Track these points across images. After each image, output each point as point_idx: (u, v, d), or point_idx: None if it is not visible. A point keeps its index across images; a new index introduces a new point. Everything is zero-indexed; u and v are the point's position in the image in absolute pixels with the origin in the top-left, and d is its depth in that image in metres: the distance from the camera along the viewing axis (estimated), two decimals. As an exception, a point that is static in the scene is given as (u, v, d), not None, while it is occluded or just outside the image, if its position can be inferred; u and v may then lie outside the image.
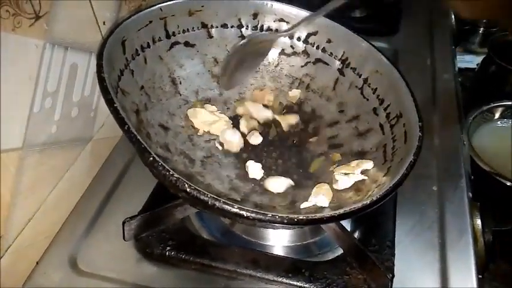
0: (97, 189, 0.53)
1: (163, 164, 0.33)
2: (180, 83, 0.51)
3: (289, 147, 0.50)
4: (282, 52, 0.53)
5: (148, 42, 0.47)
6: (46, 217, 0.50)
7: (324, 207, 0.40)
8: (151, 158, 0.34)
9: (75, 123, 0.53)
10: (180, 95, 0.51)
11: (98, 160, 0.56)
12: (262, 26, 0.52)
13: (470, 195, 0.51)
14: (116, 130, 0.60)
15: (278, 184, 0.45)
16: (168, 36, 0.49)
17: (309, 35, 0.52)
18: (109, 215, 0.50)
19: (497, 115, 0.75)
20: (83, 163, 0.55)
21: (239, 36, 0.52)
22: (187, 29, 0.50)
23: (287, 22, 0.52)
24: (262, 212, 0.32)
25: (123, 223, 0.44)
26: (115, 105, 0.36)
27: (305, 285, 0.42)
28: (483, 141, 0.72)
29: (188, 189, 0.33)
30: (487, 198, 0.55)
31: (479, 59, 0.85)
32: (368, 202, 0.34)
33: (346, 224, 0.47)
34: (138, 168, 0.55)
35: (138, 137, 0.34)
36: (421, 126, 0.40)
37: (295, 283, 0.43)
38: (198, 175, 0.46)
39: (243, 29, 0.52)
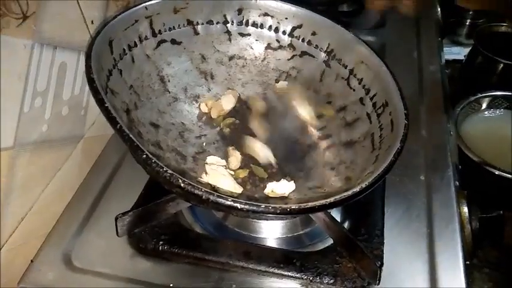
0: (90, 187, 0.53)
1: (156, 161, 0.34)
2: (169, 81, 0.51)
3: (279, 140, 0.51)
4: (268, 46, 0.54)
5: (135, 41, 0.47)
6: (39, 216, 0.50)
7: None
8: (144, 156, 0.34)
9: (66, 121, 0.53)
10: (169, 92, 0.51)
11: (90, 158, 0.57)
12: (247, 21, 0.53)
13: (457, 183, 0.52)
14: (107, 128, 0.60)
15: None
16: (154, 35, 0.49)
17: (293, 29, 0.52)
18: (102, 212, 0.51)
19: (484, 105, 0.76)
20: (74, 161, 0.55)
21: (225, 32, 0.53)
22: (173, 27, 0.50)
23: (271, 16, 0.52)
24: (255, 203, 0.33)
25: (116, 219, 0.45)
26: (106, 105, 0.36)
27: (296, 275, 0.43)
28: (471, 131, 0.73)
29: (182, 184, 0.33)
30: (475, 187, 0.56)
31: (466, 51, 0.86)
32: (358, 189, 0.35)
33: (336, 214, 0.48)
34: (130, 165, 0.56)
35: (131, 136, 0.35)
36: (406, 114, 0.41)
37: (286, 273, 0.43)
38: (191, 171, 0.47)
39: (229, 25, 0.53)
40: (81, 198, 0.52)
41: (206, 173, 0.44)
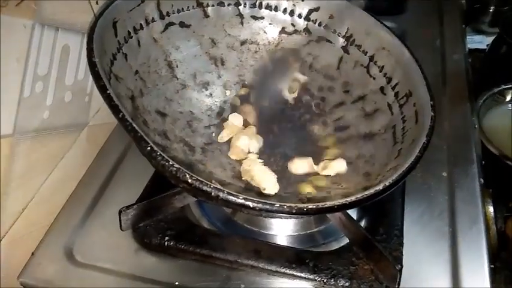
0: (93, 177, 0.51)
1: (161, 153, 0.31)
2: (177, 67, 0.48)
3: (292, 131, 0.48)
4: (283, 30, 0.50)
5: (141, 24, 0.44)
6: (40, 207, 0.48)
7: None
8: (148, 148, 0.32)
9: (69, 108, 0.51)
10: (177, 79, 0.48)
11: (94, 147, 0.54)
12: (261, 3, 0.49)
13: (482, 181, 0.49)
14: (111, 115, 0.58)
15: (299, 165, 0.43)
16: (162, 17, 0.46)
17: (310, 12, 0.49)
18: (106, 204, 0.49)
19: (508, 97, 0.72)
20: (78, 150, 0.53)
21: (237, 15, 0.49)
22: (182, 9, 0.47)
23: (286, -1, 0.49)
24: (269, 202, 0.30)
25: (120, 212, 0.43)
26: (108, 91, 0.33)
27: (309, 277, 0.41)
28: (494, 124, 0.69)
29: (190, 180, 0.30)
30: (498, 183, 0.53)
31: (489, 40, 0.81)
32: (380, 188, 0.32)
33: (352, 212, 0.45)
34: (136, 155, 0.52)
35: (134, 125, 0.32)
36: (433, 105, 0.38)
37: (298, 274, 0.41)
38: (199, 163, 0.44)
39: (241, 7, 0.49)
40: (84, 188, 0.50)
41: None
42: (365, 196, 0.31)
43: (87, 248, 0.45)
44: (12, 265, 0.44)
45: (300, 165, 0.44)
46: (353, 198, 0.31)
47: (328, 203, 0.31)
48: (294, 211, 0.30)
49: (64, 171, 0.51)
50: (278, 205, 0.30)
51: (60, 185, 0.50)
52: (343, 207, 0.31)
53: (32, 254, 0.45)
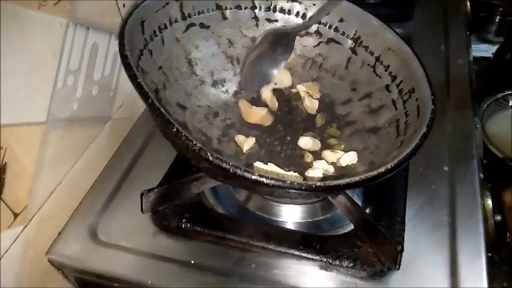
0: (116, 166, 0.55)
1: (186, 134, 0.34)
2: (196, 64, 0.52)
3: (300, 126, 0.51)
4: (295, 33, 0.54)
5: (165, 24, 0.48)
6: (68, 190, 0.52)
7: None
8: (174, 129, 0.34)
9: (96, 101, 0.55)
10: (196, 75, 0.52)
11: (117, 139, 0.58)
12: (275, 6, 0.53)
13: (482, 175, 0.51)
14: (134, 111, 0.62)
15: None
16: (184, 18, 0.50)
17: (321, 15, 0.53)
18: (127, 191, 0.52)
19: (511, 103, 0.74)
20: (102, 141, 0.57)
21: (253, 18, 0.53)
22: (203, 11, 0.51)
23: (299, 2, 0.53)
24: (281, 179, 0.33)
25: (141, 195, 0.46)
26: (138, 80, 0.37)
27: (316, 257, 0.43)
28: (497, 128, 0.72)
29: (211, 158, 0.33)
30: (500, 183, 0.55)
31: (494, 48, 0.85)
32: (383, 170, 0.35)
33: (357, 201, 0.48)
34: (156, 147, 0.57)
35: (162, 110, 0.35)
36: (433, 100, 0.41)
37: (306, 255, 0.44)
38: (215, 153, 0.47)
39: (256, 10, 0.53)
40: (107, 176, 0.54)
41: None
42: (369, 176, 0.34)
43: (109, 229, 0.48)
44: (40, 243, 0.48)
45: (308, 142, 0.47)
46: (357, 177, 0.34)
47: (335, 182, 0.34)
48: (303, 187, 0.33)
49: (89, 159, 0.54)
50: (289, 182, 0.33)
51: (86, 171, 0.54)
52: (348, 186, 0.34)
53: (59, 233, 0.48)
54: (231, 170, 0.33)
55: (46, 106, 0.47)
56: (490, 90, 0.74)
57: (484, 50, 0.90)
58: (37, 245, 0.48)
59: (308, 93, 0.52)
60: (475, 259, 0.44)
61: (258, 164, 0.44)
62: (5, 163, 0.42)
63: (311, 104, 0.52)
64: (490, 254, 0.46)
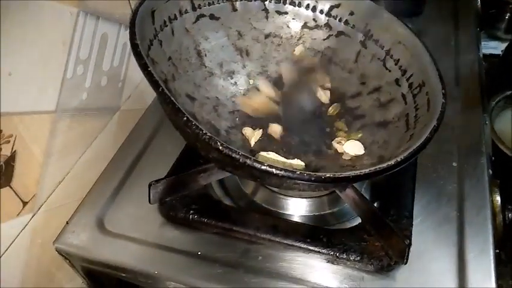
0: (123, 156, 0.55)
1: (196, 123, 0.34)
2: (205, 55, 0.52)
3: (310, 118, 0.51)
4: (305, 25, 0.54)
5: (175, 14, 0.48)
6: (76, 180, 0.52)
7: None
8: (185, 118, 0.34)
9: (104, 92, 0.55)
10: (205, 67, 0.52)
11: (125, 130, 0.58)
12: (285, -1, 0.53)
13: (491, 172, 0.51)
14: (142, 102, 0.62)
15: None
16: (194, 9, 0.50)
17: (331, 8, 0.52)
18: (134, 181, 0.52)
19: (521, 100, 0.74)
20: (110, 131, 0.57)
21: (262, 10, 0.53)
22: (213, 2, 0.51)
23: (310, -5, 0.52)
24: (291, 169, 0.33)
25: (149, 186, 0.46)
26: (149, 69, 0.36)
27: (323, 250, 0.43)
28: (506, 125, 0.71)
29: (220, 147, 0.33)
30: (509, 180, 0.55)
31: (504, 46, 0.84)
32: (392, 163, 0.35)
33: (365, 195, 0.48)
34: (163, 138, 0.57)
35: (172, 99, 0.35)
36: (444, 94, 0.41)
37: (313, 248, 0.44)
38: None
39: (267, 2, 0.53)
40: (115, 166, 0.54)
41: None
42: (378, 169, 0.34)
43: (116, 219, 0.48)
44: (48, 232, 0.48)
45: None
46: (366, 170, 0.34)
47: (344, 174, 0.34)
48: (313, 178, 0.33)
49: (97, 149, 0.55)
50: (299, 172, 0.33)
51: (93, 161, 0.54)
52: (357, 178, 0.34)
53: (67, 223, 0.48)
54: (240, 160, 0.33)
55: (56, 95, 0.47)
56: (499, 88, 0.74)
57: (493, 47, 0.89)
58: (45, 233, 0.48)
59: (321, 85, 0.52)
60: (482, 256, 0.43)
61: (263, 153, 0.44)
62: (15, 151, 0.42)
63: (324, 94, 0.52)
64: (497, 251, 0.46)
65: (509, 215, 0.51)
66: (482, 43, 0.77)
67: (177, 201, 0.48)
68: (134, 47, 0.38)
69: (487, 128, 0.57)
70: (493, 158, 0.58)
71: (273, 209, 0.50)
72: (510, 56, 0.80)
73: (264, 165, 0.33)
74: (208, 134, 0.34)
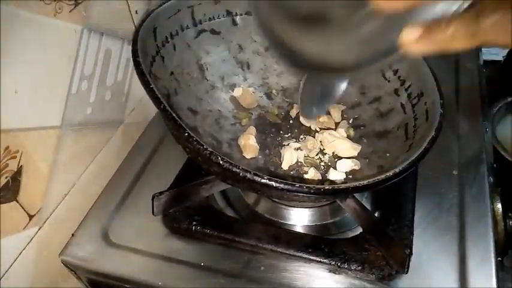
0: (127, 169, 0.56)
1: (197, 139, 0.35)
2: (207, 69, 0.53)
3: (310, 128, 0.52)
4: (305, 38, 0.55)
5: (177, 30, 0.49)
6: (81, 193, 0.53)
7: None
8: (186, 134, 0.35)
9: (108, 106, 0.56)
10: (207, 80, 0.53)
11: (128, 143, 0.59)
12: (285, 13, 0.54)
13: (492, 179, 0.51)
14: (145, 115, 0.63)
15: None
16: (195, 24, 0.51)
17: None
18: (138, 194, 0.53)
19: (522, 107, 0.74)
20: (114, 145, 0.58)
21: (263, 23, 0.54)
22: (213, 17, 0.52)
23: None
24: (290, 182, 0.34)
25: (153, 198, 0.47)
26: (151, 86, 0.38)
27: (324, 260, 0.44)
28: (508, 132, 0.71)
29: (221, 162, 0.34)
30: (510, 187, 0.55)
31: (505, 52, 0.84)
32: (391, 174, 0.35)
33: (366, 204, 0.49)
34: (166, 151, 0.58)
35: (174, 115, 0.36)
36: (442, 104, 0.41)
37: (314, 258, 0.44)
38: (226, 156, 0.48)
39: (267, 16, 0.54)
40: (119, 179, 0.55)
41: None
42: (377, 180, 0.35)
43: (121, 231, 0.49)
44: (54, 244, 0.49)
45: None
46: (365, 181, 0.35)
47: (343, 185, 0.34)
48: (312, 191, 0.33)
49: (102, 162, 0.56)
50: (298, 185, 0.34)
51: (98, 174, 0.55)
52: (356, 190, 0.34)
53: (72, 235, 0.49)
54: (240, 174, 0.34)
55: (61, 110, 0.48)
56: (501, 94, 0.74)
57: (495, 53, 0.89)
58: (51, 246, 0.49)
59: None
60: (484, 263, 0.44)
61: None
62: (21, 166, 0.43)
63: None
64: (499, 259, 0.46)
65: (511, 222, 0.51)
66: (483, 49, 0.77)
67: (180, 212, 0.49)
68: (137, 64, 0.39)
69: (487, 136, 0.57)
70: (495, 165, 0.58)
71: (275, 219, 0.50)
72: (511, 62, 0.80)
73: (264, 179, 0.33)
74: (209, 149, 0.34)
